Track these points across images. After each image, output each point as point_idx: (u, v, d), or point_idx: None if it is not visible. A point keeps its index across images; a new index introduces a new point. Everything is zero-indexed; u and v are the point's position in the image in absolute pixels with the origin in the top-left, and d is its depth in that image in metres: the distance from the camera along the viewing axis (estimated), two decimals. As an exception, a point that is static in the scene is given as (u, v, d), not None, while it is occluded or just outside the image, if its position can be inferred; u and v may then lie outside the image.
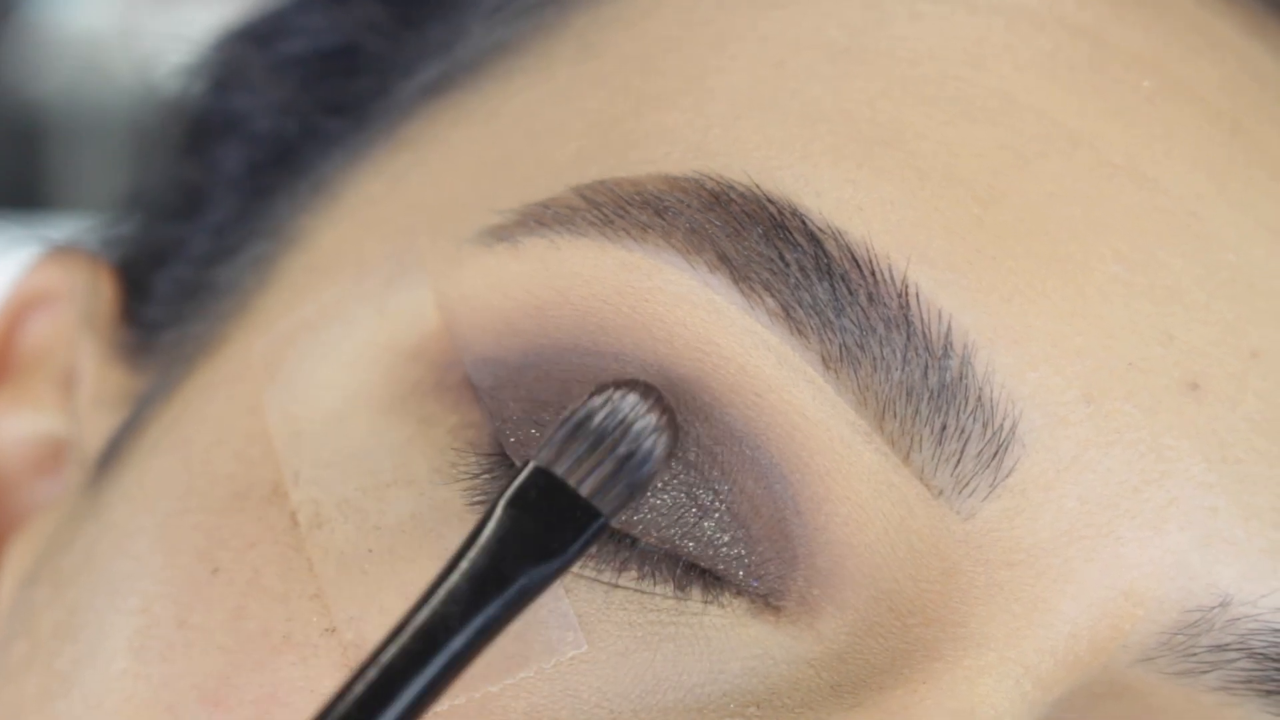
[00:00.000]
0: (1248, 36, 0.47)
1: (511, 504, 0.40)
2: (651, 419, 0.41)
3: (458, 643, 0.38)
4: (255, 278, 0.49)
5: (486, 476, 0.42)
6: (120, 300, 0.55)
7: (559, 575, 0.40)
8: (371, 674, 0.38)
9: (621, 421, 0.41)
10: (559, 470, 0.40)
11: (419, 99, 0.50)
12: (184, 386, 0.48)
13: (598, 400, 0.41)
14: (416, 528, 0.42)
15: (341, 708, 0.37)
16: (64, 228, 0.62)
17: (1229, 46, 0.47)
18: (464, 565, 0.39)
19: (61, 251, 0.58)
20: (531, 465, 0.40)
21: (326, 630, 0.41)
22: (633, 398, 0.41)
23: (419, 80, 0.50)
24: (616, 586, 0.41)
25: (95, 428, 0.52)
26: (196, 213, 0.55)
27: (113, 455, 0.49)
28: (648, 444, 0.40)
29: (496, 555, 0.39)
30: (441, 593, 0.39)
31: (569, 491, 0.40)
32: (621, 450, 0.40)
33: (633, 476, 0.40)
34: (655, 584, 0.41)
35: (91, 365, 0.54)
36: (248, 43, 0.56)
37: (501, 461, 0.42)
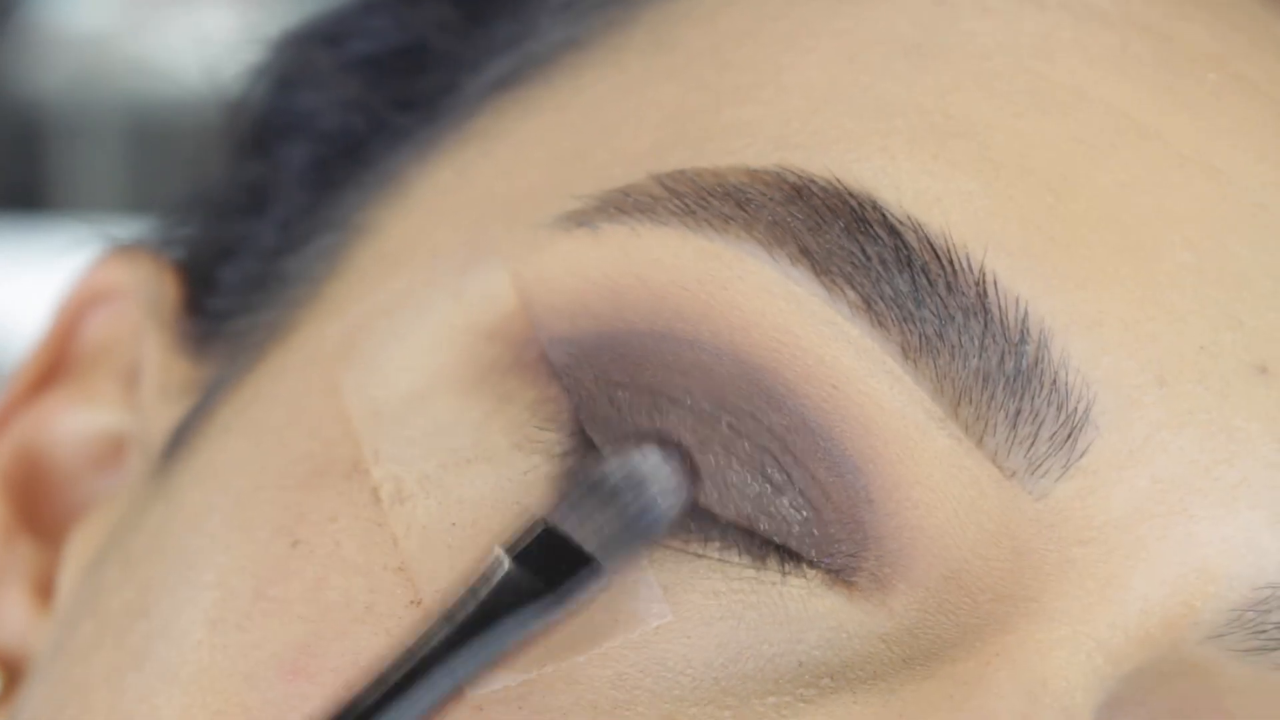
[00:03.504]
0: None
1: (514, 554, 0.40)
2: (669, 479, 0.42)
3: (434, 690, 0.39)
4: (325, 267, 0.50)
5: (569, 454, 0.43)
6: (185, 294, 0.56)
7: (554, 624, 0.40)
8: (332, 710, 0.38)
9: (637, 479, 0.41)
10: (565, 525, 0.41)
11: (489, 93, 0.51)
12: (254, 372, 0.49)
13: (615, 459, 0.42)
14: (500, 502, 0.43)
15: None
16: (64, 227, 0.62)
17: None
18: (453, 615, 0.40)
19: (121, 250, 0.59)
20: (533, 519, 0.41)
21: (411, 602, 0.42)
22: (654, 457, 0.42)
23: (488, 75, 0.51)
24: (700, 556, 0.42)
25: (160, 418, 0.53)
26: (262, 209, 0.55)
27: (181, 441, 0.50)
28: (660, 503, 0.41)
29: (487, 605, 0.40)
30: (424, 637, 0.39)
31: (571, 545, 0.41)
32: (632, 508, 0.41)
33: (634, 532, 0.41)
34: (737, 554, 0.42)
35: (156, 357, 0.54)
36: (315, 43, 0.57)
37: (581, 437, 0.43)
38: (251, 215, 0.56)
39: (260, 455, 0.46)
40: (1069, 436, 0.41)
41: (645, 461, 0.42)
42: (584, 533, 0.41)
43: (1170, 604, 0.41)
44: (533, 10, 0.52)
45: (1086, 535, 0.41)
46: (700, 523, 0.42)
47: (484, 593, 0.40)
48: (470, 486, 0.43)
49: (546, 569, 0.40)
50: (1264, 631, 0.42)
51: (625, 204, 0.44)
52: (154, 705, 0.43)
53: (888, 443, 0.42)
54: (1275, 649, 0.42)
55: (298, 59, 0.57)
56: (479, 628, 0.39)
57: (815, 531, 0.42)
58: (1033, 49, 0.45)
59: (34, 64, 2.30)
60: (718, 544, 0.42)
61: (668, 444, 0.42)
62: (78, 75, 2.28)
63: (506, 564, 0.40)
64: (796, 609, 0.42)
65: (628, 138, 0.46)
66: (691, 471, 0.42)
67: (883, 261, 0.42)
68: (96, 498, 0.56)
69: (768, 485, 0.42)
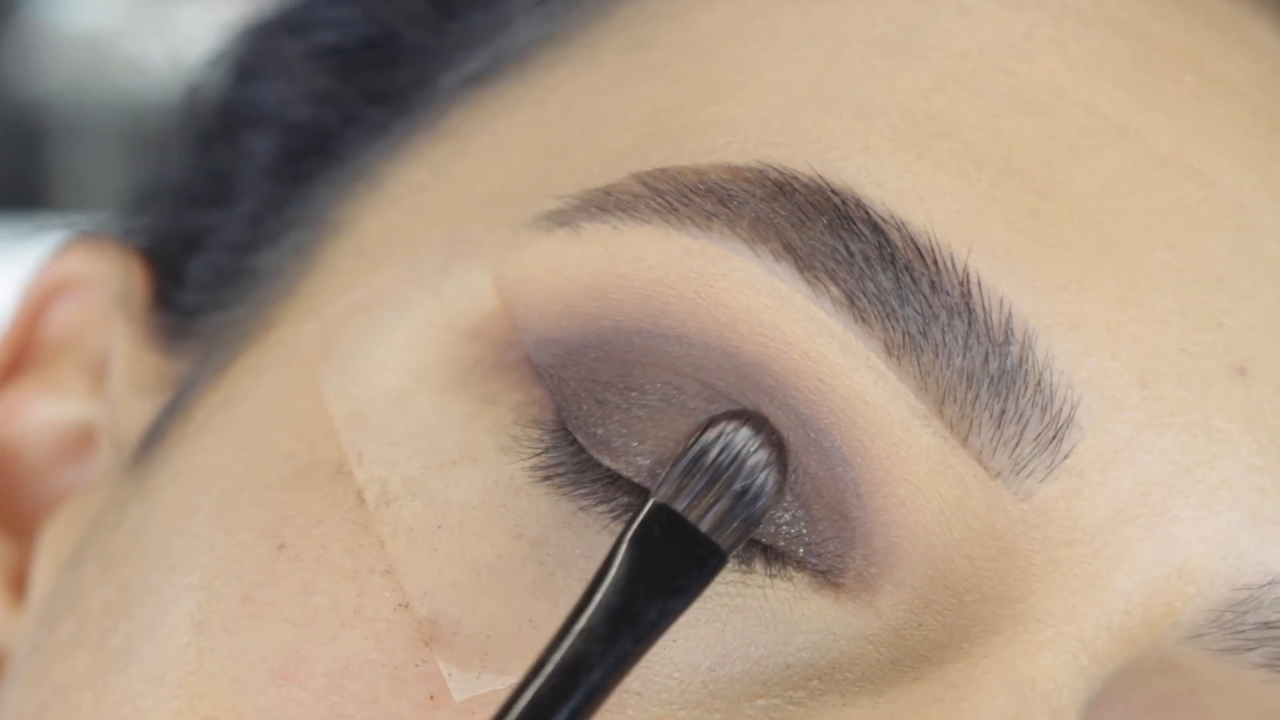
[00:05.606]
0: (1278, 36, 0.49)
1: (637, 541, 0.41)
2: (763, 455, 0.42)
3: (596, 677, 0.39)
4: (299, 264, 0.50)
5: (552, 452, 0.43)
6: (152, 286, 0.55)
7: (682, 612, 0.41)
8: (521, 705, 0.39)
9: (736, 457, 0.41)
10: (679, 507, 0.41)
11: (463, 88, 0.50)
12: (231, 369, 0.49)
13: (711, 434, 0.42)
14: (485, 504, 0.43)
15: None
16: (67, 224, 0.62)
17: (1262, 45, 0.48)
18: (598, 600, 0.40)
19: (86, 239, 0.58)
20: (652, 502, 0.41)
21: (399, 606, 0.42)
22: (745, 432, 0.42)
23: (463, 70, 0.51)
24: None
25: (132, 412, 0.52)
26: (227, 200, 0.55)
27: (156, 438, 0.50)
28: (760, 479, 0.41)
29: (629, 592, 0.40)
30: (580, 629, 0.40)
31: (691, 529, 0.41)
32: (737, 486, 0.41)
33: (748, 512, 0.41)
34: None
35: (125, 350, 0.54)
36: (282, 32, 0.56)
37: (564, 438, 0.43)
38: (216, 206, 0.55)
39: (243, 455, 0.46)
40: (1054, 437, 0.41)
41: (738, 436, 0.42)
42: (697, 513, 0.41)
43: (1152, 604, 0.41)
44: (506, 5, 0.52)
45: (1071, 536, 0.41)
46: None
47: (621, 579, 0.40)
48: (455, 488, 0.43)
49: (668, 551, 0.41)
50: (1241, 631, 0.42)
51: (607, 203, 0.44)
52: (140, 708, 0.43)
53: (874, 438, 0.42)
54: (1252, 649, 0.42)
55: (263, 47, 0.57)
56: (628, 616, 0.40)
57: (804, 530, 0.42)
58: (1011, 49, 0.45)
59: (34, 64, 2.30)
60: None
61: (755, 419, 0.42)
62: (78, 75, 2.28)
63: (624, 547, 0.41)
64: (783, 611, 0.42)
65: (607, 136, 0.46)
66: (780, 447, 0.42)
67: (866, 258, 0.42)
68: (67, 490, 0.55)
69: None
